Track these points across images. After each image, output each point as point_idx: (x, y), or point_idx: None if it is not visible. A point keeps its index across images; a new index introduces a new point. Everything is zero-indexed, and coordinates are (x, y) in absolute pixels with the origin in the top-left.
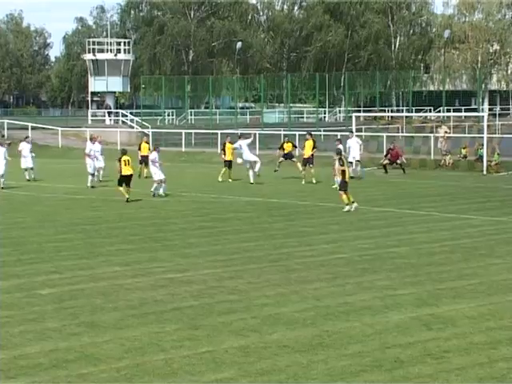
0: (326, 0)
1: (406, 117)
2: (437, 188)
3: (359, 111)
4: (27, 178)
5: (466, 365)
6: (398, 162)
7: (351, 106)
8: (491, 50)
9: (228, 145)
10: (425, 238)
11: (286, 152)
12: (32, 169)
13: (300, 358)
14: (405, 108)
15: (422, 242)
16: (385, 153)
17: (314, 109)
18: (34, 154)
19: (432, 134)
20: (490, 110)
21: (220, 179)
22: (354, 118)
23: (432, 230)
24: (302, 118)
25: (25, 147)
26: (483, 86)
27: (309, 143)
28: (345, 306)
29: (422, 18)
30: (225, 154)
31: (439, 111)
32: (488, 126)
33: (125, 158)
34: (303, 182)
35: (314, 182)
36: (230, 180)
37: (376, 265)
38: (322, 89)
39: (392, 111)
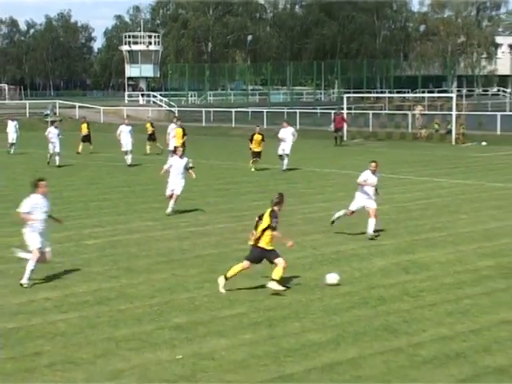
0: (321, 0)
1: (388, 97)
2: (413, 156)
3: (349, 92)
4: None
5: (437, 302)
6: (340, 133)
7: (343, 88)
8: (459, 42)
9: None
10: (403, 198)
11: (255, 151)
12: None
13: (300, 297)
14: (387, 90)
15: (400, 200)
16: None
17: (312, 90)
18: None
19: (410, 112)
20: (458, 91)
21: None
22: (345, 99)
23: (409, 190)
24: (302, 98)
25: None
26: (452, 71)
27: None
28: (337, 253)
29: (401, 15)
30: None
31: (416, 92)
32: (456, 104)
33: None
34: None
35: None
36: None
37: (363, 220)
38: (318, 74)
39: (377, 92)
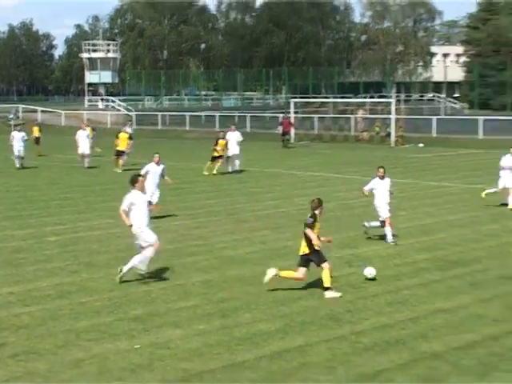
0: (270, 11)
1: (333, 102)
2: (356, 157)
3: (296, 97)
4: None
5: (378, 292)
6: (287, 137)
7: (290, 94)
8: (397, 51)
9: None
10: (347, 196)
11: (218, 154)
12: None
13: (251, 289)
14: (331, 95)
15: (344, 198)
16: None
17: (262, 96)
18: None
19: (352, 116)
20: (396, 96)
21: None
22: (292, 103)
23: (352, 189)
24: (252, 103)
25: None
26: (391, 78)
27: None
28: (285, 249)
29: (344, 25)
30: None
31: (358, 98)
32: (395, 109)
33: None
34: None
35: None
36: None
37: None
38: (267, 80)
39: (322, 98)
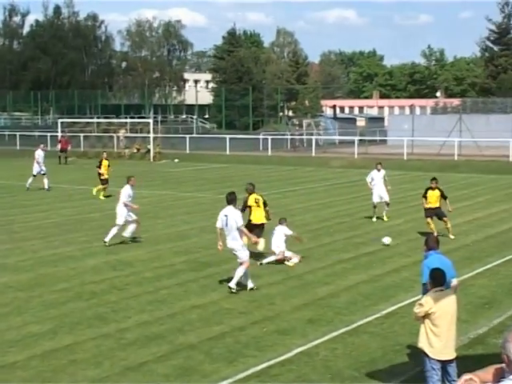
0: (36, 38)
1: (97, 122)
2: (118, 172)
3: (63, 118)
4: None
5: (140, 293)
6: (64, 153)
7: (57, 114)
8: (154, 76)
9: None
10: (110, 207)
11: (103, 178)
12: None
13: (21, 295)
14: (95, 116)
15: (109, 209)
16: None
17: (30, 116)
18: None
19: (115, 134)
20: (154, 117)
21: None
22: (59, 123)
23: (114, 200)
24: (21, 122)
25: None
26: (149, 101)
27: None
28: (54, 256)
29: (106, 53)
30: None
31: (120, 118)
32: (153, 128)
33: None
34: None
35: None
36: None
37: (77, 226)
38: (35, 102)
39: (87, 118)
